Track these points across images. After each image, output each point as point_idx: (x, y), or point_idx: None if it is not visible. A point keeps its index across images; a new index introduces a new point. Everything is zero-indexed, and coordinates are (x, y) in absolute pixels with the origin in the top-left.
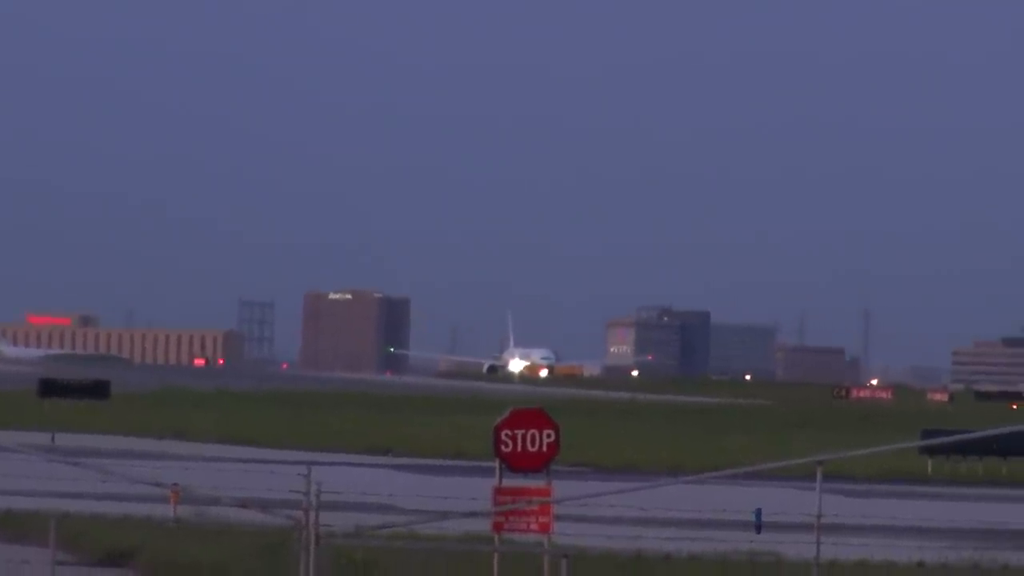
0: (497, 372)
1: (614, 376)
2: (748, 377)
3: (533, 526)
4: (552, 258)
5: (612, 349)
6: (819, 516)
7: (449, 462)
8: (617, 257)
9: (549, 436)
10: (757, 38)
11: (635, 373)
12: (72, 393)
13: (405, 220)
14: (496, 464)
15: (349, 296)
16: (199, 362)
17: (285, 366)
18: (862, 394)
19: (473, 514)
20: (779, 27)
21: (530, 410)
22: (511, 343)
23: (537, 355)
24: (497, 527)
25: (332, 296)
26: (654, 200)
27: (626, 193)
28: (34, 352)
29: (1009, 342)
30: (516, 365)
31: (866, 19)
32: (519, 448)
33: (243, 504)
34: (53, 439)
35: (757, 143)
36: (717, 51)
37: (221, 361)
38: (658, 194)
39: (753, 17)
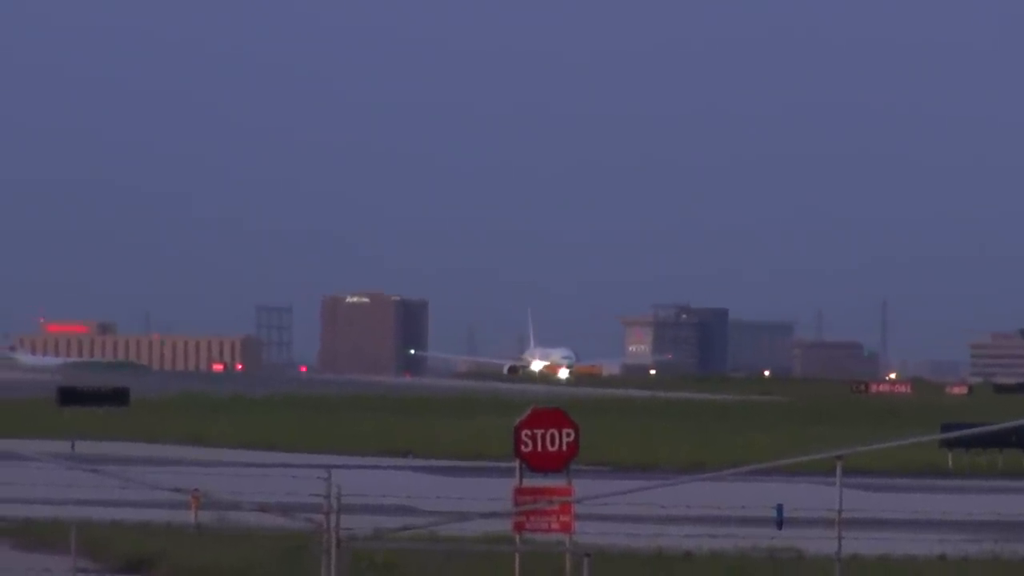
0: (517, 372)
1: (633, 375)
2: (766, 374)
3: (554, 526)
4: (557, 246)
5: (631, 348)
6: (840, 511)
7: (469, 463)
8: (623, 245)
9: (569, 436)
10: (762, 22)
11: (653, 372)
12: (92, 401)
13: (395, 208)
14: (516, 464)
15: (367, 299)
16: (218, 367)
17: (304, 370)
18: (881, 388)
19: (493, 515)
20: (780, 8)
21: (550, 410)
22: (532, 343)
23: (558, 355)
24: (518, 527)
25: (349, 299)
26: (654, 190)
27: (622, 182)
28: (52, 361)
29: None
30: (537, 365)
31: None
32: (539, 448)
33: (263, 508)
34: (73, 447)
35: (767, 132)
36: (717, 36)
37: (240, 366)
38: (663, 184)
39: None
